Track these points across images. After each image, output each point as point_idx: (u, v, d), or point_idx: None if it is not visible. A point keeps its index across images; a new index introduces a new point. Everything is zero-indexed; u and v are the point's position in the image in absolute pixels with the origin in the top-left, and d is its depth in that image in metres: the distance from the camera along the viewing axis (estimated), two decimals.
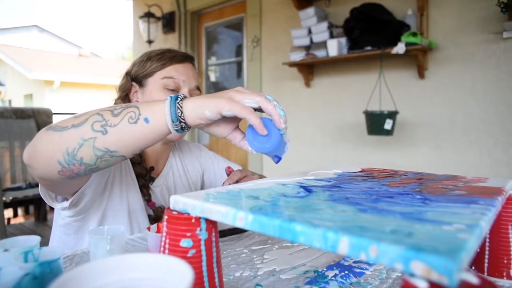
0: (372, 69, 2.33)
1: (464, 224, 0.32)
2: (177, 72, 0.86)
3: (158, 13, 3.80)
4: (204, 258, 0.40)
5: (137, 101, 0.88)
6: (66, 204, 0.71)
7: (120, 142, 0.54)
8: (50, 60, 11.67)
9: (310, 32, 2.47)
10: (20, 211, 3.50)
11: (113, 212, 0.80)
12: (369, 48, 2.17)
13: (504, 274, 0.51)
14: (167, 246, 0.41)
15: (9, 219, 3.21)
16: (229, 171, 0.86)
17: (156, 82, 0.85)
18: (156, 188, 0.91)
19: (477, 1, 1.95)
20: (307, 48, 2.54)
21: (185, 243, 0.40)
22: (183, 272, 0.28)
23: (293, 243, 0.67)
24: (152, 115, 0.54)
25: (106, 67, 12.37)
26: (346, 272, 0.55)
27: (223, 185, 0.84)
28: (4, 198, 2.35)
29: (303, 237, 0.31)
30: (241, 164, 3.17)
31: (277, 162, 0.59)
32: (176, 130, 0.55)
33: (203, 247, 0.40)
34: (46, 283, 0.39)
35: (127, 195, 0.82)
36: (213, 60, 3.73)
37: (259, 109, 0.55)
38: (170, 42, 3.80)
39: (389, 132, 2.01)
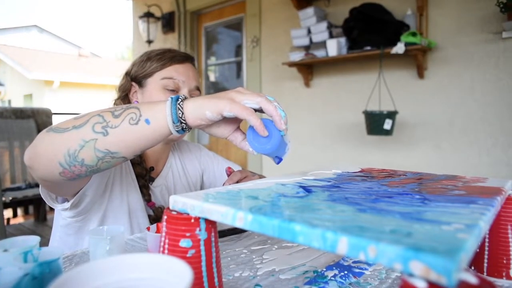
0: (371, 69, 2.33)
1: (463, 224, 0.32)
2: (177, 73, 0.85)
3: (158, 13, 3.80)
4: (203, 258, 0.40)
5: (137, 101, 0.88)
6: (67, 205, 0.71)
7: (121, 143, 0.54)
8: (49, 60, 11.67)
9: (309, 32, 2.47)
10: (19, 211, 3.50)
11: (114, 213, 0.80)
12: (368, 48, 2.17)
13: (504, 274, 0.51)
14: (166, 246, 0.41)
15: (8, 219, 3.21)
16: (229, 172, 0.86)
17: (155, 83, 0.85)
18: (156, 188, 0.91)
19: (477, 1, 1.95)
20: (307, 48, 2.54)
21: (184, 243, 0.40)
22: (183, 272, 0.28)
23: (293, 243, 0.67)
24: (153, 116, 0.54)
25: (105, 67, 12.37)
26: (346, 272, 0.55)
27: (223, 185, 0.84)
28: (3, 198, 2.35)
29: (302, 237, 0.31)
30: (240, 164, 3.17)
31: (278, 163, 0.59)
32: (177, 131, 0.55)
33: (202, 247, 0.40)
34: (46, 283, 0.39)
35: (127, 195, 0.82)
36: (212, 60, 3.73)
37: (259, 110, 0.55)
38: (170, 42, 3.81)
39: (388, 132, 2.01)
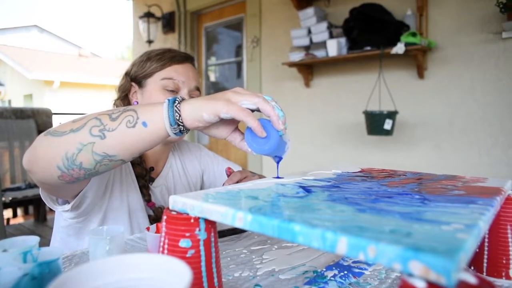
0: (371, 69, 2.33)
1: (462, 224, 0.32)
2: (176, 73, 0.85)
3: (158, 13, 3.80)
4: (203, 258, 0.40)
5: (137, 101, 0.88)
6: (67, 207, 0.71)
7: (119, 146, 0.54)
8: (49, 60, 11.67)
9: (309, 32, 2.47)
10: (19, 211, 3.50)
11: (114, 213, 0.80)
12: (368, 48, 2.17)
13: (503, 274, 0.51)
14: (166, 246, 0.41)
15: (8, 219, 3.21)
16: (229, 172, 0.86)
17: (155, 83, 0.85)
18: (156, 188, 0.91)
19: (477, 1, 1.95)
20: (307, 48, 2.54)
21: (184, 243, 0.40)
22: (182, 272, 0.28)
23: (293, 243, 0.67)
24: (150, 119, 0.54)
25: (106, 67, 12.37)
26: (345, 272, 0.55)
27: (223, 185, 0.84)
28: (3, 199, 2.35)
29: (301, 237, 0.31)
30: (240, 164, 3.16)
31: (278, 162, 0.59)
32: (175, 133, 0.54)
33: (202, 247, 0.40)
34: (45, 284, 0.39)
35: (127, 196, 0.82)
36: (212, 60, 3.73)
37: (257, 110, 0.55)
38: (170, 42, 3.81)
39: (388, 132, 2.01)
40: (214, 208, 0.38)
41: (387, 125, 1.99)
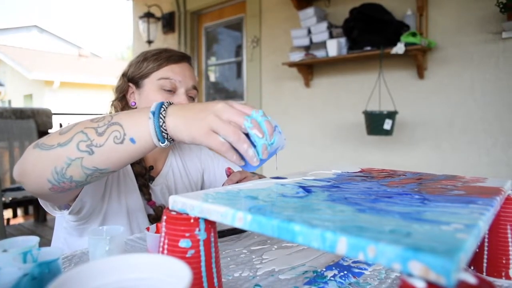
0: (371, 69, 2.33)
1: (462, 224, 0.32)
2: (173, 73, 0.85)
3: (158, 13, 3.80)
4: (202, 258, 0.40)
5: (134, 102, 0.88)
6: (66, 212, 0.72)
7: (108, 160, 0.54)
8: (49, 60, 11.67)
9: (309, 32, 2.47)
10: (19, 211, 3.50)
11: (113, 216, 0.80)
12: (368, 48, 2.18)
13: (503, 274, 0.51)
14: (166, 246, 0.41)
15: (8, 219, 3.21)
16: (229, 172, 0.86)
17: (152, 83, 0.85)
18: (156, 187, 0.91)
19: (476, 1, 1.95)
20: (307, 48, 2.54)
21: (184, 243, 0.40)
22: (182, 272, 0.28)
23: (292, 243, 0.67)
24: (138, 135, 0.53)
25: (105, 67, 12.37)
26: (345, 272, 0.55)
27: (223, 186, 0.84)
28: (3, 199, 2.35)
29: (301, 237, 0.31)
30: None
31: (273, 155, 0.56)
32: (164, 145, 0.54)
33: (202, 248, 0.40)
34: (45, 284, 0.39)
35: (125, 196, 0.82)
36: (212, 60, 3.73)
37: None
38: (170, 42, 3.81)
39: (388, 132, 2.01)
40: (214, 208, 0.38)
41: (387, 125, 1.99)
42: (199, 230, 0.40)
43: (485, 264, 0.52)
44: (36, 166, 0.55)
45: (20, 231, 2.91)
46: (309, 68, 2.66)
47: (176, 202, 0.42)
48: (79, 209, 0.72)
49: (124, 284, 0.31)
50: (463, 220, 0.33)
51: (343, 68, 2.52)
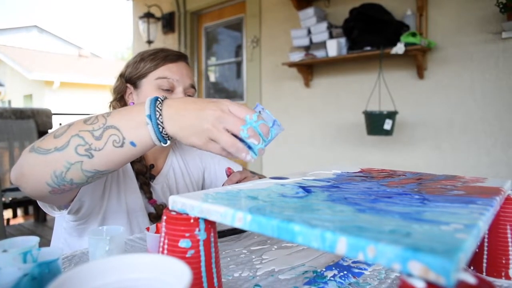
0: (371, 69, 2.33)
1: (462, 224, 0.32)
2: (170, 72, 0.85)
3: (158, 14, 3.80)
4: (202, 258, 0.40)
5: (133, 102, 0.88)
6: (65, 212, 0.72)
7: (109, 163, 0.55)
8: (49, 60, 11.68)
9: (309, 32, 2.47)
10: (19, 211, 3.50)
11: (113, 215, 0.80)
12: (368, 48, 2.18)
13: (503, 274, 0.51)
14: (165, 246, 0.41)
15: (8, 219, 3.21)
16: (229, 172, 0.86)
17: (150, 83, 0.85)
18: (157, 185, 0.91)
19: (476, 1, 1.95)
20: (307, 48, 2.54)
21: (183, 243, 0.40)
22: (182, 272, 0.28)
23: (292, 244, 0.67)
24: (138, 139, 0.53)
25: (106, 67, 12.38)
26: (345, 272, 0.55)
27: (223, 186, 0.84)
28: (3, 199, 2.35)
29: (301, 237, 0.32)
30: (240, 163, 3.17)
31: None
32: (165, 144, 0.54)
33: (201, 248, 0.40)
34: (45, 284, 0.39)
35: (125, 195, 0.82)
36: (212, 60, 3.73)
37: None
38: (170, 42, 3.81)
39: (388, 132, 2.01)
40: (214, 208, 0.39)
41: (387, 125, 1.99)
42: (199, 230, 0.40)
43: (484, 264, 0.52)
44: (34, 170, 0.55)
45: (20, 231, 2.91)
46: (309, 68, 2.66)
47: (176, 202, 0.42)
48: (77, 209, 0.72)
49: (124, 284, 0.31)
50: (462, 220, 0.33)
51: (343, 68, 2.52)
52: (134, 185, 0.85)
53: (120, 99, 0.90)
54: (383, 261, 0.27)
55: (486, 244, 0.52)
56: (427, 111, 2.17)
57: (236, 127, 0.50)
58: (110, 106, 0.91)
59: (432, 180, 0.56)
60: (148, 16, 3.67)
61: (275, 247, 0.66)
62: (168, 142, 0.54)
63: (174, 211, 0.42)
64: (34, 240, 0.46)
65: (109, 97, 0.92)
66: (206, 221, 0.41)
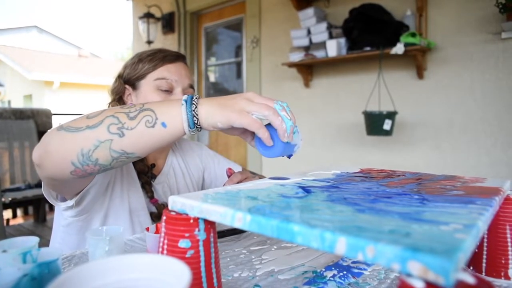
0: (371, 69, 2.33)
1: (461, 224, 0.32)
2: (169, 73, 0.85)
3: (158, 14, 3.80)
4: (202, 258, 0.40)
5: (132, 103, 0.88)
6: (70, 203, 0.71)
7: (138, 145, 0.56)
8: (49, 60, 11.67)
9: (309, 32, 2.47)
10: (19, 212, 3.49)
11: (115, 212, 0.80)
12: (368, 48, 2.18)
13: (502, 274, 0.51)
14: (165, 246, 0.41)
15: (8, 220, 3.21)
16: (229, 173, 0.86)
17: (149, 84, 0.85)
18: (158, 185, 0.92)
19: (476, 1, 1.95)
20: (306, 48, 2.54)
21: (183, 243, 0.40)
22: (181, 272, 0.28)
23: (292, 244, 0.67)
24: (170, 120, 0.55)
25: (105, 67, 12.37)
26: (345, 272, 0.55)
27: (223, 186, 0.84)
28: (3, 199, 2.35)
29: (300, 237, 0.32)
30: (240, 164, 3.16)
31: (289, 158, 0.65)
32: (192, 133, 0.57)
33: (201, 248, 0.40)
34: (45, 284, 0.39)
35: (128, 194, 0.82)
36: (212, 60, 3.73)
37: None
38: (170, 42, 3.81)
39: (388, 133, 2.01)
40: (213, 208, 0.39)
41: (387, 125, 1.99)
42: (199, 231, 0.40)
43: (484, 264, 0.52)
44: (61, 147, 0.55)
45: (20, 231, 2.91)
46: (309, 69, 2.66)
47: (176, 203, 0.42)
48: (80, 199, 0.72)
49: (123, 284, 0.31)
50: (462, 220, 0.33)
51: (342, 69, 2.52)
52: (137, 184, 0.85)
53: (118, 100, 0.90)
54: (382, 261, 0.27)
55: (485, 244, 0.52)
56: (427, 111, 2.17)
57: (270, 101, 0.56)
58: (109, 107, 0.91)
59: (432, 180, 0.56)
60: (148, 16, 3.67)
61: (275, 247, 0.66)
62: (195, 129, 0.56)
63: (174, 211, 0.42)
64: (34, 240, 0.46)
65: (108, 97, 0.93)
66: (206, 221, 0.41)
